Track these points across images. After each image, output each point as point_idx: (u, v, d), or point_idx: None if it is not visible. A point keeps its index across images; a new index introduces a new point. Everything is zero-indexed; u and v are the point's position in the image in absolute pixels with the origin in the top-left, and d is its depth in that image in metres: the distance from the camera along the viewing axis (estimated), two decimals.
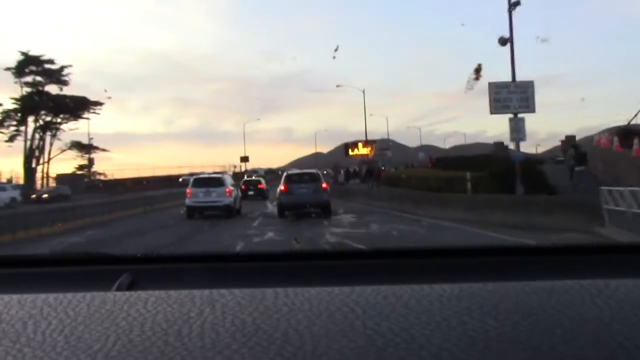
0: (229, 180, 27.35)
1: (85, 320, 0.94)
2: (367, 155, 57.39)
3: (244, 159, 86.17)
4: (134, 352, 0.82)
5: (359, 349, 0.81)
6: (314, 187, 24.43)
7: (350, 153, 59.30)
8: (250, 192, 39.84)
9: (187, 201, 25.32)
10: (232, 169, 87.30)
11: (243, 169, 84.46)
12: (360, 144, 58.53)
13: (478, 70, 27.03)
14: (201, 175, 28.33)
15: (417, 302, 0.97)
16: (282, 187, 24.49)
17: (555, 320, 0.89)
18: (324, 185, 25.04)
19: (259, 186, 42.05)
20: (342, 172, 58.27)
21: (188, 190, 25.60)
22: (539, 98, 24.20)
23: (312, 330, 0.87)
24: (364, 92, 57.80)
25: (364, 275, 1.32)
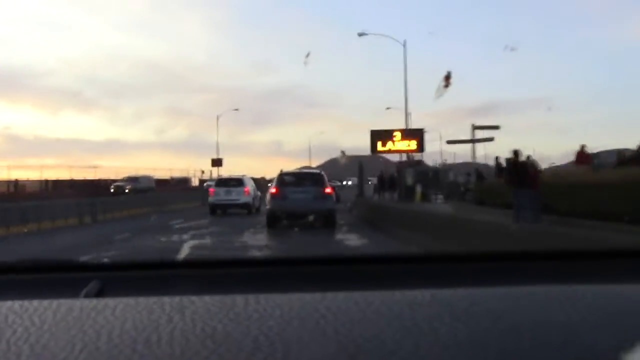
0: (249, 181, 30.23)
1: (52, 328, 0.92)
2: (410, 152, 35.85)
3: (217, 162, 65.52)
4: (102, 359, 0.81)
5: (331, 355, 0.81)
6: (315, 192, 19.23)
7: (381, 148, 34.84)
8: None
9: (210, 199, 28.86)
10: (200, 174, 74.82)
11: (215, 175, 62.12)
12: (398, 134, 34.59)
13: (447, 77, 27.66)
14: (224, 177, 32.48)
15: (388, 308, 0.97)
16: (273, 190, 19.56)
17: (525, 326, 0.89)
18: (327, 189, 19.71)
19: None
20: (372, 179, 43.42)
21: (211, 190, 29.38)
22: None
23: (283, 337, 0.86)
24: (404, 44, 37.87)
25: (335, 282, 1.32)
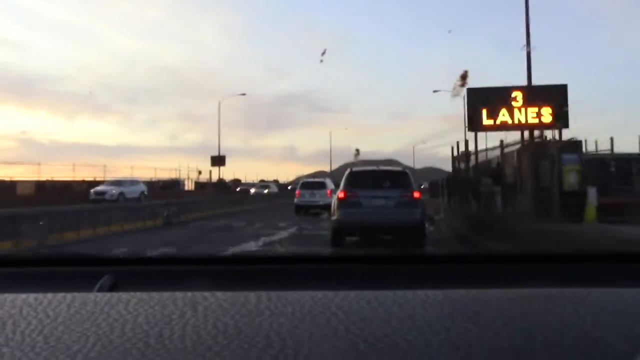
0: (330, 184, 32.36)
1: (65, 321, 0.92)
2: (540, 125, 18.99)
3: (218, 161, 54.01)
4: (114, 354, 0.81)
5: (342, 354, 0.81)
6: (400, 197, 13.46)
7: (488, 122, 19.42)
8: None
9: (296, 200, 31.18)
10: (197, 175, 62.49)
11: (216, 176, 56.26)
12: (518, 95, 18.99)
13: (464, 77, 26.90)
14: (308, 180, 35.11)
15: (400, 308, 0.97)
16: (341, 194, 13.78)
17: (537, 328, 0.89)
18: (416, 193, 13.98)
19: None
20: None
21: (297, 192, 31.81)
22: None
23: (294, 334, 0.86)
24: None
25: (347, 280, 1.31)
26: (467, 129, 22.03)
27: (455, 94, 27.06)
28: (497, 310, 0.97)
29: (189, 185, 62.12)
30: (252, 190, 47.43)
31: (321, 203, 29.69)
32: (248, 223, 22.96)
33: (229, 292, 1.06)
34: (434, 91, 41.12)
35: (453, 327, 0.88)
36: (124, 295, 1.05)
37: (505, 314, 0.95)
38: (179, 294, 1.04)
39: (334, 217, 13.96)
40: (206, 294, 1.05)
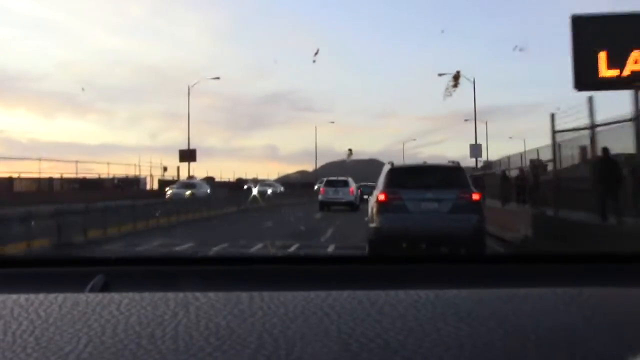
0: (352, 182, 34.46)
1: (57, 322, 0.92)
2: None
3: (187, 156, 47.45)
4: (106, 354, 0.81)
5: (334, 354, 0.81)
6: (454, 200, 10.95)
7: (607, 73, 12.52)
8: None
9: (320, 197, 33.01)
10: (162, 172, 54.04)
11: (185, 173, 47.75)
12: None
13: (456, 77, 27.15)
14: (331, 178, 36.07)
15: (392, 308, 0.97)
16: (381, 196, 11.18)
17: (529, 327, 0.90)
18: (474, 195, 11.24)
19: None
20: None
21: (322, 189, 33.66)
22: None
23: (286, 334, 0.86)
24: None
25: (339, 280, 1.32)
26: (575, 84, 13.56)
27: (447, 95, 27.00)
28: (489, 310, 0.97)
29: (151, 184, 53.43)
30: (169, 192, 36.79)
31: (344, 200, 32.32)
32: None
33: (221, 292, 1.07)
34: (440, 74, 39.12)
35: (445, 327, 0.89)
36: (115, 296, 1.05)
37: (497, 314, 0.95)
38: (170, 295, 1.04)
39: (372, 225, 11.00)
40: (198, 294, 1.05)
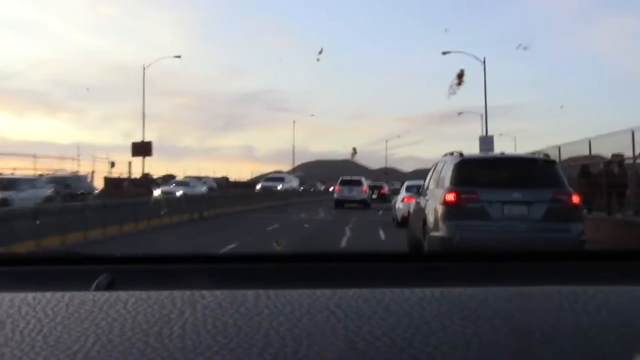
0: (365, 181, 37.79)
1: (64, 320, 0.93)
2: None
3: (141, 149, 42.66)
4: (114, 353, 0.82)
5: (341, 352, 0.81)
6: (549, 202, 8.63)
7: None
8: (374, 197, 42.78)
9: (336, 195, 36.12)
10: (109, 169, 47.15)
11: (139, 170, 44.21)
12: None
13: (460, 75, 27.84)
14: (346, 178, 38.64)
15: (398, 306, 0.98)
16: (449, 196, 8.87)
17: (534, 326, 0.90)
18: (573, 196, 8.88)
19: (382, 191, 48.28)
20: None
21: (337, 188, 36.51)
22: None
23: (293, 333, 0.87)
24: None
25: (345, 278, 1.34)
26: None
27: (451, 93, 27.29)
28: (494, 308, 0.97)
29: (96, 182, 43.81)
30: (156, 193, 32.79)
31: (358, 198, 35.41)
32: None
33: (228, 290, 1.07)
34: (444, 53, 37.98)
35: (450, 325, 0.89)
36: (122, 294, 1.05)
37: (502, 312, 0.95)
38: (177, 293, 1.05)
39: (435, 234, 8.76)
40: (204, 292, 1.05)
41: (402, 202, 20.21)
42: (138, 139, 44.28)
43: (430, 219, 9.23)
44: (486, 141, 36.03)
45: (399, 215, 20.42)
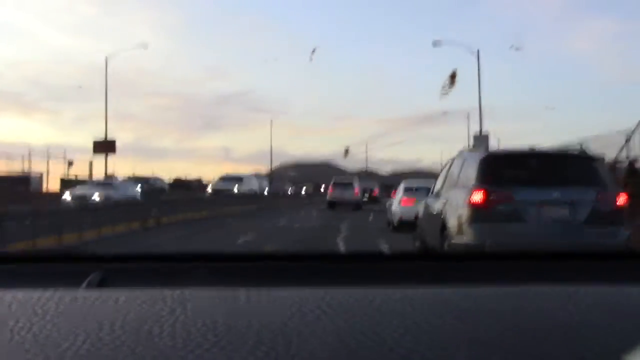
0: (357, 183, 38.61)
1: (54, 318, 0.93)
2: None
3: (104, 147, 39.71)
4: (105, 350, 0.82)
5: (331, 350, 0.82)
6: (592, 203, 7.40)
7: None
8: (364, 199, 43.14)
9: (328, 197, 37.39)
10: (65, 169, 45.40)
11: (101, 170, 40.21)
12: None
13: (453, 76, 27.74)
14: (339, 180, 39.81)
15: (388, 305, 0.98)
16: (476, 196, 7.53)
17: (525, 325, 0.90)
18: (620, 196, 7.69)
19: (373, 193, 48.09)
20: None
21: (330, 190, 37.72)
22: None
23: (284, 331, 0.87)
24: None
25: (336, 278, 1.34)
26: None
27: (444, 93, 27.30)
28: (485, 307, 0.98)
29: (48, 184, 42.73)
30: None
31: (350, 199, 36.31)
32: None
33: (218, 289, 1.07)
34: (434, 44, 36.57)
35: (440, 324, 0.90)
36: (113, 292, 1.05)
37: (492, 312, 0.96)
38: (168, 291, 1.04)
39: (458, 240, 7.41)
40: (195, 290, 1.05)
41: (400, 205, 18.54)
42: (117, 141, 42.13)
43: (452, 223, 7.87)
44: (481, 140, 34.03)
45: (396, 219, 18.62)
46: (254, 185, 45.90)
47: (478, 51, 36.11)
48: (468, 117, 55.81)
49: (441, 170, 9.96)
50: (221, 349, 0.81)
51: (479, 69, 36.11)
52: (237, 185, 42.01)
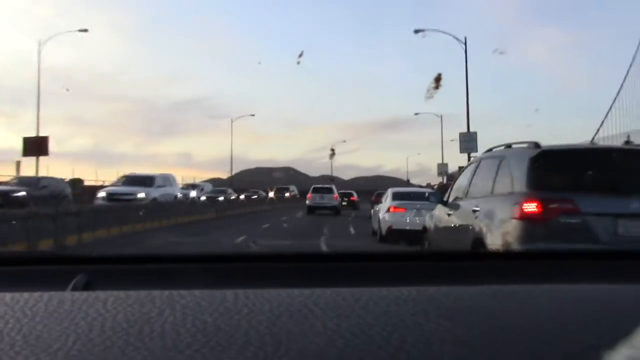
0: (335, 189, 39.02)
1: (44, 320, 0.92)
2: None
3: (35, 147, 35.90)
4: (95, 351, 0.82)
5: (320, 350, 0.82)
6: None
7: None
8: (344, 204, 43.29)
9: (308, 202, 37.07)
10: None
11: (31, 171, 35.51)
12: None
13: (438, 79, 27.21)
14: (318, 185, 40.02)
15: (375, 304, 0.99)
16: (529, 206, 5.60)
17: (509, 323, 0.92)
18: None
19: (352, 198, 47.97)
20: None
21: (309, 195, 37.41)
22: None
23: (272, 331, 0.87)
24: None
25: (323, 278, 1.34)
26: None
27: (428, 96, 26.40)
28: (469, 306, 0.99)
29: None
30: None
31: (329, 205, 36.73)
32: None
33: (206, 290, 1.07)
34: (416, 31, 33.63)
35: (426, 323, 0.91)
36: (101, 294, 1.05)
37: (477, 310, 0.97)
38: (156, 292, 1.04)
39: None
40: (183, 292, 1.05)
41: (389, 213, 16.58)
42: (72, 147, 38.36)
43: (494, 240, 5.98)
44: (468, 139, 29.96)
45: (384, 227, 16.58)
46: (175, 190, 30.34)
47: (465, 39, 33.14)
48: (441, 119, 54.52)
49: (460, 172, 8.41)
50: (210, 350, 0.82)
51: (466, 60, 32.41)
52: (143, 190, 26.18)
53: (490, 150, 7.51)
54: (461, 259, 1.54)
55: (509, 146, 6.81)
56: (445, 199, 8.20)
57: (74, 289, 1.24)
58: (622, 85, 75.08)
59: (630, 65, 74.57)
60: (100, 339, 0.85)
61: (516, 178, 5.99)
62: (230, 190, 52.01)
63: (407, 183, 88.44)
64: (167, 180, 29.94)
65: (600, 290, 1.10)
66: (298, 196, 62.73)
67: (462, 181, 7.86)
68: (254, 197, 55.39)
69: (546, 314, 0.96)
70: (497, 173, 6.50)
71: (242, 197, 51.20)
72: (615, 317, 0.95)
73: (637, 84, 72.04)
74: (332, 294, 1.03)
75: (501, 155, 6.74)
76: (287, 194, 62.90)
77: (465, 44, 32.05)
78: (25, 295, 1.03)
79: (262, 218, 29.68)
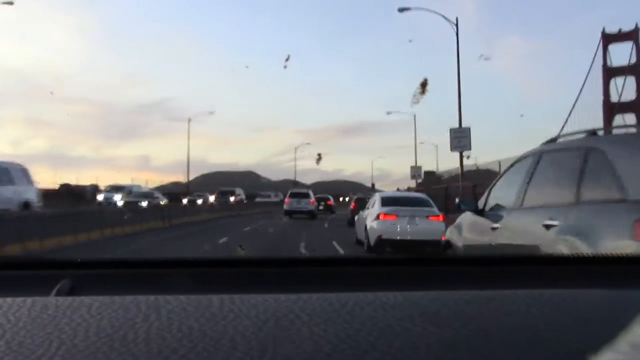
0: (311, 194, 39.18)
1: (27, 325, 0.92)
2: None
3: None
4: (79, 357, 0.81)
5: (306, 355, 0.83)
6: None
7: None
8: (320, 208, 42.87)
9: (285, 206, 37.54)
10: None
11: None
12: None
13: (424, 84, 26.97)
14: (295, 190, 40.40)
15: (362, 310, 0.99)
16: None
17: (493, 328, 0.92)
18: None
19: (328, 202, 47.52)
20: None
21: (287, 200, 37.91)
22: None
23: (258, 337, 0.87)
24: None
25: (309, 283, 1.32)
26: None
27: (415, 101, 26.16)
28: (454, 311, 0.99)
29: None
30: None
31: (305, 209, 37.19)
32: None
33: (192, 295, 1.06)
34: (400, 10, 29.74)
35: (412, 328, 0.91)
36: (85, 299, 1.03)
37: (462, 315, 0.97)
38: (141, 298, 1.03)
39: None
40: (169, 297, 1.04)
41: (378, 220, 14.71)
42: (29, 149, 35.03)
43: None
44: (460, 135, 25.88)
45: (372, 237, 14.58)
46: (31, 194, 19.14)
47: (457, 19, 28.62)
48: (415, 120, 53.63)
49: (501, 174, 6.64)
50: (196, 355, 0.82)
51: (457, 43, 27.74)
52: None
53: (553, 140, 5.71)
54: (447, 264, 1.56)
55: (593, 133, 5.08)
56: (480, 206, 6.46)
57: (58, 294, 1.21)
58: (581, 90, 77.14)
59: (589, 72, 76.64)
60: (84, 345, 0.84)
61: (628, 178, 4.23)
62: (158, 194, 43.05)
63: (372, 188, 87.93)
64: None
65: (581, 296, 1.11)
66: (245, 201, 55.08)
67: (507, 184, 6.10)
68: (198, 201, 48.74)
69: (532, 318, 0.97)
70: (582, 172, 4.74)
71: (184, 201, 45.69)
72: (598, 322, 0.96)
73: (595, 88, 74.98)
74: (318, 299, 1.04)
75: (586, 147, 4.85)
76: (232, 198, 53.33)
77: (457, 25, 27.97)
78: (8, 300, 1.02)
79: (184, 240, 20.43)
